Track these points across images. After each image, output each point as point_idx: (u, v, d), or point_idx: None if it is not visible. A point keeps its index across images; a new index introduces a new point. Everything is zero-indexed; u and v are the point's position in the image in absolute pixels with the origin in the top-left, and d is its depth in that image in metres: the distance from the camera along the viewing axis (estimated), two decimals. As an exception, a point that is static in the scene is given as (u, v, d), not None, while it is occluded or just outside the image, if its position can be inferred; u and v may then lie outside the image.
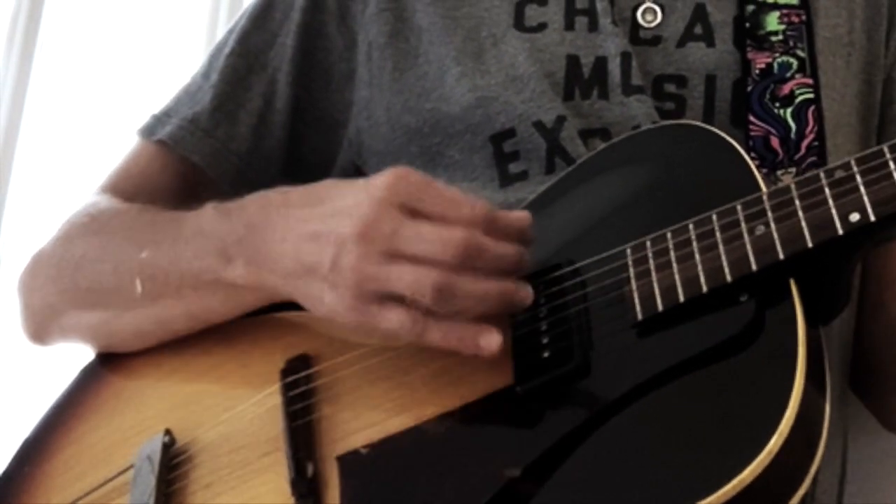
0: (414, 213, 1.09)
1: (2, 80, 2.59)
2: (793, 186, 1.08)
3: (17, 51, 2.60)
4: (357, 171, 1.48)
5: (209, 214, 1.26)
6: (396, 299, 1.08)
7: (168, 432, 1.21)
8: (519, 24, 1.40)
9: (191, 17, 2.61)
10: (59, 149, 2.61)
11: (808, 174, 1.08)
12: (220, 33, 2.43)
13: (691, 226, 1.10)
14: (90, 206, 1.41)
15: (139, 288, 1.28)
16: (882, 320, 1.33)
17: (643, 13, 1.39)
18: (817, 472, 1.02)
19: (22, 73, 2.60)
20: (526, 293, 1.11)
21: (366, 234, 1.09)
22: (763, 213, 1.08)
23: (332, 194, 1.15)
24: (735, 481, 0.95)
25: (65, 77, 2.64)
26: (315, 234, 1.12)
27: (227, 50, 1.48)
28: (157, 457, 1.19)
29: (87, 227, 1.37)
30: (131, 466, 1.21)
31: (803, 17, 1.38)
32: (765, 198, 1.09)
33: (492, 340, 1.08)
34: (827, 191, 1.06)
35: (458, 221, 1.09)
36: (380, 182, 1.11)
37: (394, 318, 1.09)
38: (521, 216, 1.14)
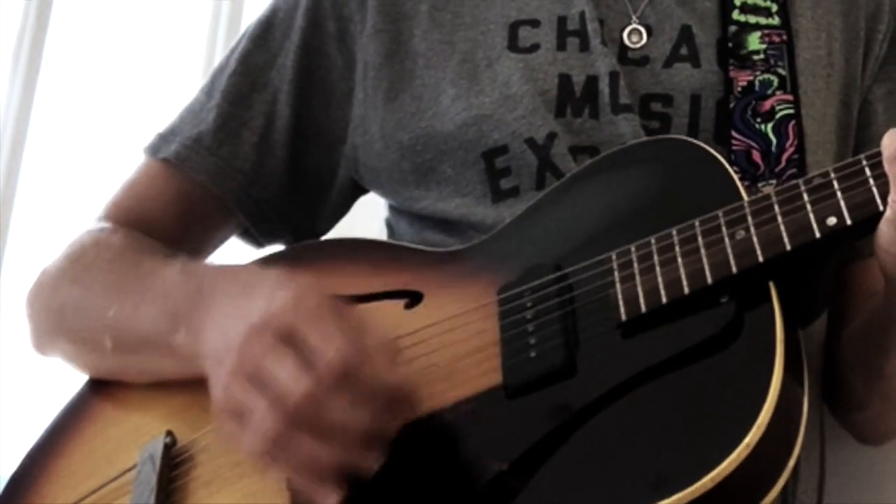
0: (292, 344, 1.07)
1: (7, 96, 2.58)
2: (772, 194, 1.08)
3: (22, 67, 2.59)
4: (355, 185, 1.48)
5: (173, 276, 1.27)
6: (249, 419, 1.07)
7: (170, 433, 1.22)
8: (513, 45, 1.39)
9: (190, 36, 2.62)
10: (64, 163, 2.61)
11: (788, 183, 1.09)
12: (220, 50, 2.46)
13: (674, 232, 1.11)
14: (79, 246, 1.41)
15: (108, 344, 1.29)
16: (855, 323, 1.32)
17: (629, 34, 1.39)
18: (799, 471, 1.02)
19: (27, 89, 2.59)
20: (370, 463, 1.07)
21: (242, 351, 1.09)
22: (744, 218, 1.08)
23: (252, 292, 1.14)
24: (713, 473, 0.96)
25: (69, 93, 2.64)
26: (222, 330, 1.13)
27: (228, 70, 1.48)
28: (158, 456, 1.19)
29: (70, 274, 1.38)
30: (134, 466, 1.21)
31: (784, 37, 1.38)
32: (745, 205, 1.09)
33: (329, 499, 1.06)
34: (805, 197, 1.06)
35: (317, 368, 1.06)
36: (276, 302, 1.10)
37: (244, 436, 1.08)
38: (390, 377, 1.09)
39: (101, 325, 1.30)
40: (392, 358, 1.10)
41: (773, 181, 1.30)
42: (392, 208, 1.48)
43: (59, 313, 1.36)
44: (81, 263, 1.38)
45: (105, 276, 1.35)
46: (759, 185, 1.30)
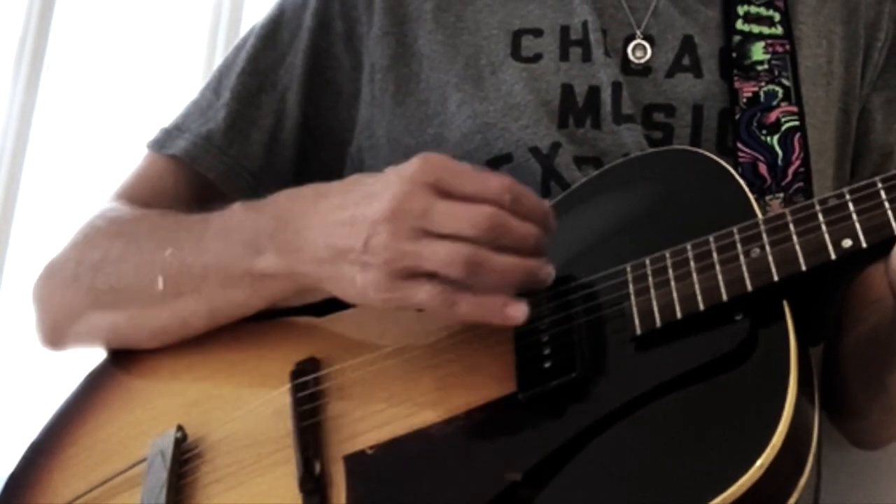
0: (443, 193, 1.10)
1: (10, 100, 2.58)
2: (787, 213, 1.08)
3: (24, 71, 2.59)
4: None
5: (237, 211, 1.26)
6: (426, 276, 1.09)
7: (180, 428, 1.21)
8: (516, 53, 1.39)
9: (191, 37, 2.61)
10: (66, 165, 2.60)
11: (803, 202, 1.09)
12: (220, 52, 2.45)
13: (689, 247, 1.11)
14: (108, 211, 1.40)
15: (161, 285, 1.27)
16: (855, 332, 1.33)
17: (633, 49, 1.39)
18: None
19: (30, 89, 2.59)
20: (547, 271, 1.12)
21: (397, 213, 1.09)
22: (759, 236, 1.08)
23: (363, 182, 1.16)
24: (725, 494, 0.96)
25: (70, 97, 2.63)
26: (347, 219, 1.13)
27: (237, 68, 1.47)
28: (169, 451, 1.19)
29: (107, 230, 1.36)
30: (144, 460, 1.20)
31: (787, 47, 1.39)
32: (761, 223, 1.09)
33: (518, 310, 1.09)
34: (821, 217, 1.07)
35: (486, 200, 1.09)
36: (408, 166, 1.12)
37: (424, 294, 1.09)
38: (543, 201, 1.15)
39: (153, 266, 1.28)
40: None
41: (780, 194, 1.31)
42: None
43: (92, 275, 1.33)
44: (120, 221, 1.37)
45: (154, 224, 1.34)
46: (767, 198, 1.31)
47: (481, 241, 1.08)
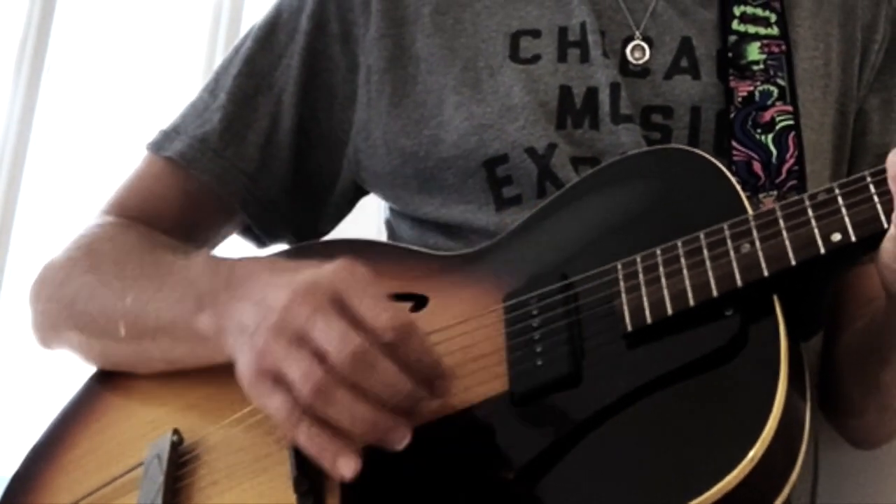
0: (339, 308, 1.07)
1: (11, 102, 2.58)
2: (777, 208, 1.08)
3: (25, 73, 2.59)
4: (357, 187, 1.48)
5: (199, 264, 1.26)
6: (283, 384, 1.06)
7: (176, 432, 1.21)
8: (514, 55, 1.39)
9: (191, 39, 2.61)
10: (67, 167, 2.61)
11: (793, 198, 1.09)
12: (220, 53, 2.45)
13: (679, 244, 1.11)
14: (92, 235, 1.40)
15: (122, 331, 1.28)
16: (850, 331, 1.33)
17: (632, 50, 1.38)
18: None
19: (30, 95, 2.59)
20: (400, 436, 1.05)
21: (287, 311, 1.07)
22: (749, 232, 1.08)
23: (296, 269, 1.13)
24: (718, 486, 0.95)
25: (71, 99, 2.64)
26: (260, 300, 1.11)
27: (233, 71, 1.47)
28: (165, 455, 1.19)
29: (84, 264, 1.37)
30: (140, 464, 1.20)
31: (783, 48, 1.38)
32: (750, 218, 1.09)
33: (347, 467, 1.05)
34: (810, 212, 1.06)
35: (368, 329, 1.05)
36: (327, 268, 1.10)
37: (274, 403, 1.07)
38: (433, 355, 1.09)
39: (116, 312, 1.28)
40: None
41: (774, 192, 1.30)
42: (392, 210, 1.48)
43: (71, 302, 1.34)
44: (94, 255, 1.37)
45: (122, 266, 1.34)
46: (761, 195, 1.30)
47: (340, 372, 1.04)
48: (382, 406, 1.05)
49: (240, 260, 1.24)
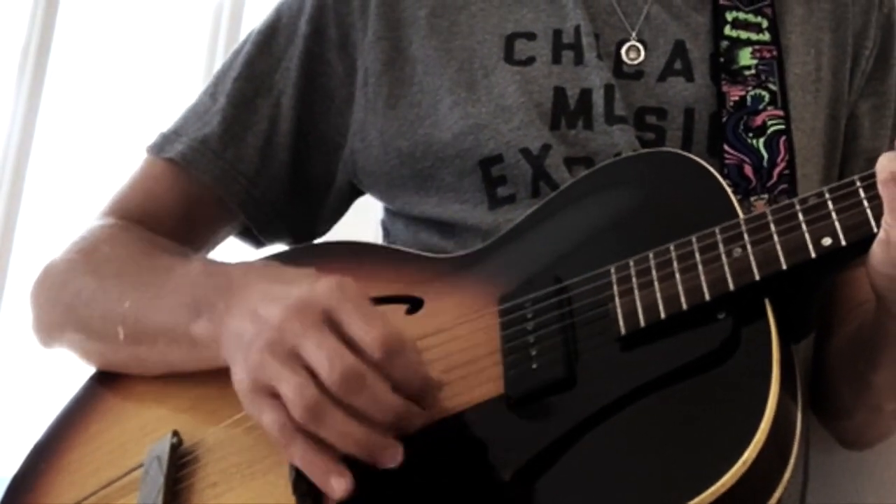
0: (331, 324, 1.07)
1: (13, 106, 2.58)
2: (768, 212, 1.08)
3: (28, 78, 2.59)
4: (353, 188, 1.48)
5: (196, 270, 1.26)
6: (276, 399, 1.06)
7: (176, 433, 1.21)
8: (509, 57, 1.39)
9: (191, 43, 2.61)
10: (69, 169, 2.60)
11: (783, 202, 1.09)
12: (220, 57, 2.45)
13: (672, 248, 1.11)
14: (93, 237, 1.40)
15: (121, 335, 1.28)
16: (841, 333, 1.33)
17: (627, 51, 1.38)
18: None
19: (32, 99, 2.59)
20: (391, 455, 1.06)
21: (282, 327, 1.07)
22: (740, 236, 1.08)
23: (291, 280, 1.14)
24: (712, 489, 0.96)
25: (73, 103, 2.64)
26: (254, 311, 1.11)
27: (233, 74, 1.47)
28: (165, 456, 1.19)
29: (84, 265, 1.37)
30: (140, 465, 1.20)
31: (774, 53, 1.39)
32: (742, 223, 1.09)
33: (339, 486, 1.05)
34: (801, 216, 1.06)
35: (358, 348, 1.06)
36: (321, 282, 1.10)
37: (268, 418, 1.07)
38: (423, 371, 1.10)
39: (115, 316, 1.28)
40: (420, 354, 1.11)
41: (765, 195, 1.30)
42: (387, 210, 1.48)
43: (71, 305, 1.34)
44: (95, 257, 1.37)
45: (121, 269, 1.34)
46: (752, 199, 1.30)
47: (331, 391, 1.04)
48: (374, 424, 1.06)
49: (236, 267, 1.24)
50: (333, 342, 1.06)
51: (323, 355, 1.05)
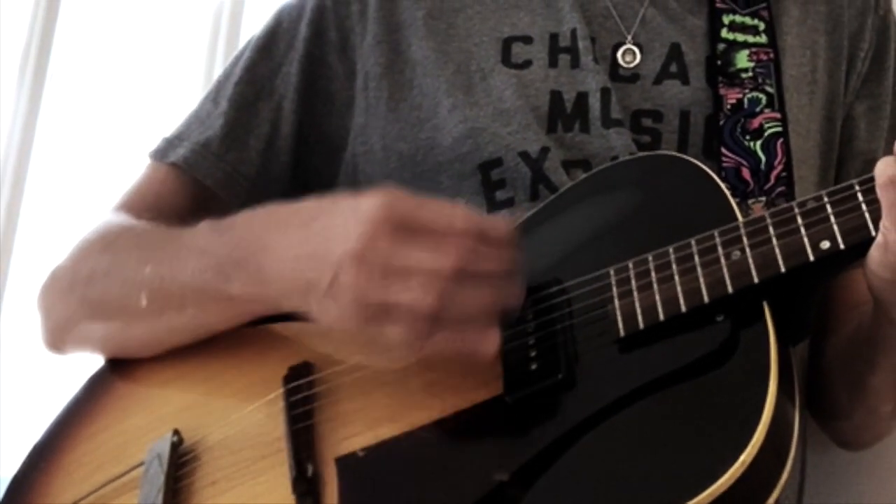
0: (408, 231, 1.07)
1: (14, 109, 2.58)
2: (767, 216, 1.08)
3: (28, 81, 2.59)
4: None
5: (204, 232, 1.25)
6: (398, 312, 1.06)
7: (176, 432, 1.21)
8: (506, 60, 1.39)
9: (191, 46, 2.61)
10: (69, 173, 2.60)
11: (782, 205, 1.09)
12: (220, 60, 2.45)
13: (671, 250, 1.11)
14: (101, 226, 1.40)
15: (143, 302, 1.26)
16: (838, 335, 1.33)
17: (623, 54, 1.39)
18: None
19: (33, 102, 2.59)
20: (517, 297, 1.10)
21: (363, 255, 1.06)
22: (739, 239, 1.08)
23: (322, 214, 1.13)
24: (710, 490, 0.96)
25: (73, 106, 2.63)
26: (310, 254, 1.10)
27: (234, 78, 1.48)
28: (166, 455, 1.19)
29: (97, 245, 1.36)
30: (141, 464, 1.20)
31: (771, 55, 1.39)
32: (741, 226, 1.09)
33: (494, 341, 1.07)
34: (799, 220, 1.07)
35: (451, 234, 1.07)
36: (371, 202, 1.09)
37: (397, 331, 1.06)
38: (506, 225, 1.12)
39: (136, 283, 1.27)
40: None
41: (763, 198, 1.31)
42: (387, 213, 1.48)
43: (84, 290, 1.33)
44: (108, 237, 1.36)
45: (136, 241, 1.33)
46: (749, 202, 1.31)
47: (450, 276, 1.05)
48: (497, 282, 1.08)
49: (238, 221, 1.22)
50: (424, 244, 1.06)
51: (426, 256, 1.05)
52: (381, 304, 1.06)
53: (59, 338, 1.38)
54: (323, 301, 1.09)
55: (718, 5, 1.42)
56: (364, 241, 1.07)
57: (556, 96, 1.37)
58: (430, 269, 1.05)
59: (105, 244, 1.36)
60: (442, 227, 1.07)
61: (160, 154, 1.47)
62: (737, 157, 1.33)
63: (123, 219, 1.41)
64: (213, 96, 1.49)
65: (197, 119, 1.48)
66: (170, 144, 1.47)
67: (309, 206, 1.16)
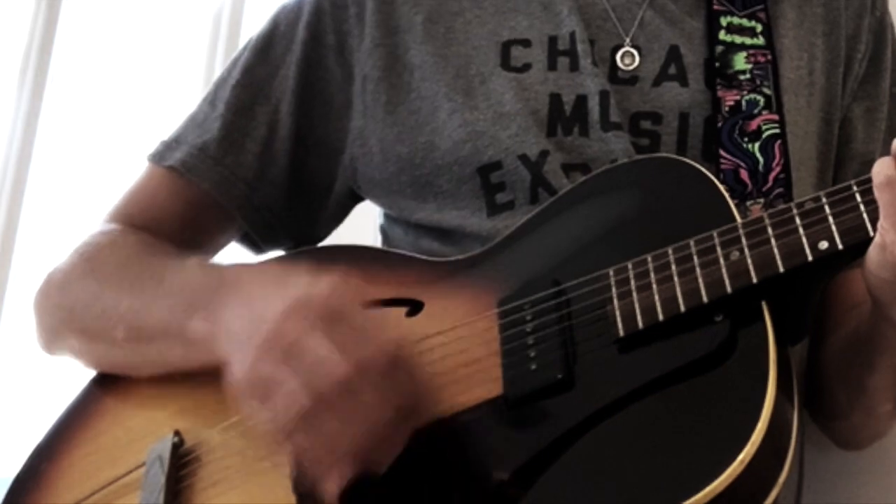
0: (330, 329, 1.07)
1: (15, 111, 2.58)
2: (765, 216, 1.09)
3: (29, 83, 2.59)
4: (353, 194, 1.48)
5: (191, 269, 1.27)
6: (275, 395, 1.06)
7: (177, 433, 1.21)
8: (505, 63, 1.39)
9: (191, 49, 2.61)
10: (69, 174, 2.60)
11: (780, 206, 1.09)
12: (219, 63, 2.45)
13: (670, 251, 1.11)
14: (94, 240, 1.41)
15: (120, 335, 1.28)
16: (837, 335, 1.33)
17: (622, 56, 1.39)
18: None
19: (34, 104, 2.59)
20: (381, 459, 1.07)
21: (279, 326, 1.07)
22: (738, 240, 1.09)
23: (288, 282, 1.13)
24: (709, 488, 0.96)
25: (74, 108, 2.64)
26: (252, 311, 1.11)
27: (232, 81, 1.47)
28: (167, 456, 1.19)
29: (84, 271, 1.37)
30: (142, 465, 1.20)
31: (769, 57, 1.39)
32: (739, 226, 1.09)
33: (331, 488, 1.06)
34: (798, 220, 1.07)
35: (355, 356, 1.06)
36: (320, 285, 1.10)
37: (263, 416, 1.07)
38: (422, 376, 1.11)
39: (114, 316, 1.28)
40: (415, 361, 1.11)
41: (761, 200, 1.31)
42: (387, 216, 1.48)
43: (71, 308, 1.34)
44: (95, 261, 1.37)
45: (120, 271, 1.34)
46: (748, 203, 1.30)
47: (324, 398, 1.04)
48: (371, 427, 1.06)
49: (230, 267, 1.25)
50: (330, 347, 1.06)
51: (318, 362, 1.05)
52: (263, 385, 1.07)
53: (50, 343, 1.39)
54: (235, 356, 1.10)
55: (716, 7, 1.41)
56: (285, 318, 1.08)
57: (555, 99, 1.36)
58: (313, 377, 1.05)
59: (90, 269, 1.37)
60: (362, 336, 1.07)
61: (158, 157, 1.47)
62: (735, 159, 1.33)
63: (116, 236, 1.41)
64: (211, 99, 1.48)
65: (194, 122, 1.47)
66: (167, 148, 1.47)
67: (287, 272, 1.17)
